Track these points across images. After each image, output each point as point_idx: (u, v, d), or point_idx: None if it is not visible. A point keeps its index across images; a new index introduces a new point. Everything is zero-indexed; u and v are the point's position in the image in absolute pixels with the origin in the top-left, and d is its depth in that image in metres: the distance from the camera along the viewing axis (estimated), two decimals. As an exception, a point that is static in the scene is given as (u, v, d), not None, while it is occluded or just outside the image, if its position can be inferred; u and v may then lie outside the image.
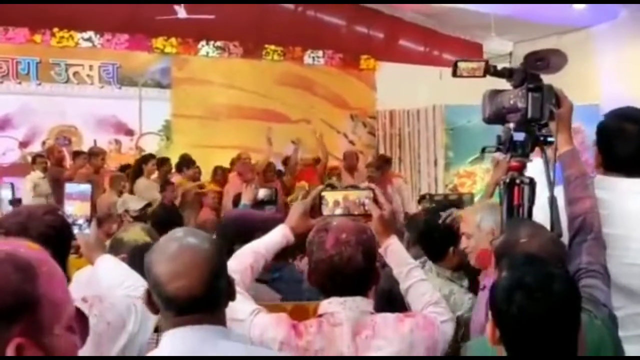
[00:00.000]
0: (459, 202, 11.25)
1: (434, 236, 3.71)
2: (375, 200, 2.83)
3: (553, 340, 1.91)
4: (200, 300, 1.93)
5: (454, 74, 3.02)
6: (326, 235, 2.55)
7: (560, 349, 1.93)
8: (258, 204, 5.27)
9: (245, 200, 5.21)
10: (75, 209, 2.95)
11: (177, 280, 1.92)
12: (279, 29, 14.09)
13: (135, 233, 3.83)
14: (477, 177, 13.70)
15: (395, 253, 2.80)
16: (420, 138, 14.44)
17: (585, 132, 13.28)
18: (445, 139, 14.13)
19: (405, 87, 14.21)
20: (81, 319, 1.34)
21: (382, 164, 11.68)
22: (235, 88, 13.90)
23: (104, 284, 2.68)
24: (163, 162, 11.02)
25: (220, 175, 11.44)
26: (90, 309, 2.40)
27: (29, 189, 9.93)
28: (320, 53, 14.80)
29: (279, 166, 12.07)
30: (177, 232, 2.08)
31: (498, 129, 3.05)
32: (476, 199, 10.92)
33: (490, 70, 3.00)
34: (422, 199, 11.36)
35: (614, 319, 2.56)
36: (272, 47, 14.36)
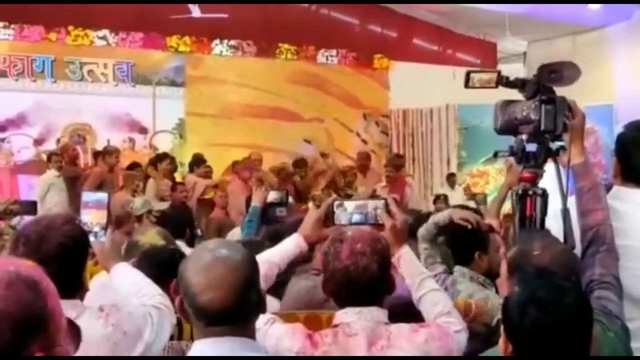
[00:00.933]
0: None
1: (463, 240, 3.67)
2: (387, 210, 2.84)
3: (565, 353, 1.92)
4: (231, 312, 1.95)
5: (467, 85, 3.02)
6: (341, 246, 2.57)
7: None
8: (268, 206, 5.28)
9: (256, 202, 5.22)
10: (91, 217, 2.97)
11: (210, 291, 1.93)
12: (293, 28, 14.10)
13: (151, 237, 3.86)
14: (490, 176, 13.71)
15: (408, 263, 2.81)
16: (433, 137, 14.46)
17: (599, 132, 13.34)
18: (458, 138, 14.15)
19: (418, 87, 14.21)
20: (72, 327, 1.40)
21: (399, 163, 11.72)
22: (249, 87, 13.92)
23: (120, 293, 2.70)
24: (167, 160, 11.04)
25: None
26: (107, 318, 2.42)
27: (44, 189, 9.95)
28: (333, 52, 14.81)
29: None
30: (211, 243, 2.10)
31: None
32: (489, 199, 10.96)
33: (502, 81, 3.00)
34: (437, 199, 11.38)
35: (626, 330, 2.56)
36: (286, 45, 14.38)
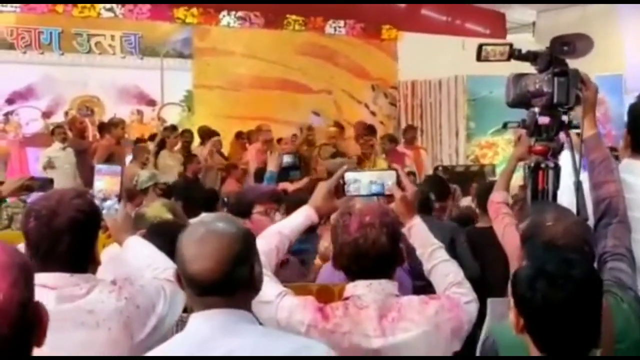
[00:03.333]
0: (481, 173, 11.33)
1: None
2: (398, 181, 2.84)
3: (577, 325, 1.93)
4: (219, 283, 1.97)
5: (478, 59, 3.01)
6: (350, 219, 2.57)
7: (585, 333, 1.95)
8: (283, 170, 5.34)
9: (271, 167, 5.27)
10: (105, 184, 2.99)
11: (199, 261, 1.97)
12: (300, -1, 14.03)
13: (157, 209, 3.86)
14: (499, 148, 13.66)
15: (419, 234, 2.81)
16: (442, 109, 14.40)
17: (609, 103, 13.28)
18: (467, 109, 14.09)
19: (427, 58, 14.12)
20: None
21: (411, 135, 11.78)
22: (257, 58, 13.86)
23: (133, 266, 2.71)
24: (184, 133, 11.07)
25: (242, 141, 11.51)
26: (120, 291, 2.43)
27: (45, 162, 9.98)
28: (341, 23, 14.71)
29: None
30: (208, 216, 2.12)
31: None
32: (498, 170, 10.93)
33: (514, 54, 2.99)
34: (435, 170, 11.35)
35: (639, 301, 2.56)
36: (294, 17, 14.29)
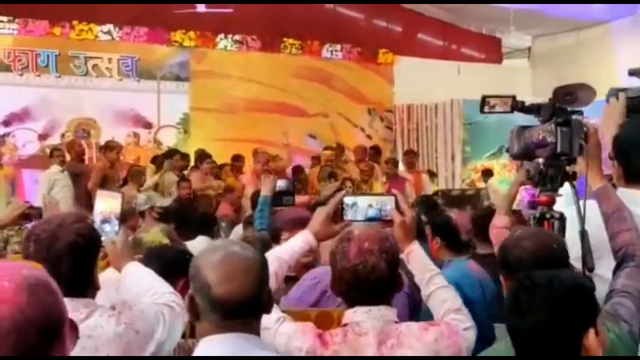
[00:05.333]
0: (477, 196, 11.33)
1: None
2: (397, 207, 2.85)
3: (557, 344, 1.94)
4: (246, 305, 1.99)
5: (482, 110, 3.06)
6: (349, 245, 2.57)
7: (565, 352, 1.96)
8: (277, 194, 5.34)
9: (265, 191, 5.25)
10: (105, 207, 2.99)
11: (226, 283, 1.97)
12: (297, 23, 14.13)
13: (155, 234, 3.86)
14: (495, 172, 13.67)
15: (417, 259, 2.81)
16: (437, 132, 14.46)
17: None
18: (462, 133, 14.14)
19: (423, 82, 14.22)
20: (72, 325, 1.43)
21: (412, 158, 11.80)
22: (253, 81, 13.93)
23: (132, 291, 2.71)
24: (182, 157, 11.06)
25: (239, 164, 11.50)
26: (119, 316, 2.43)
27: (49, 185, 9.96)
28: (338, 47, 14.80)
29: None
30: (220, 241, 2.14)
31: (515, 125, 3.10)
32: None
33: (518, 106, 3.03)
34: (434, 195, 11.34)
35: (633, 335, 2.56)
36: (290, 40, 14.38)
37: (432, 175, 12.82)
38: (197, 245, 4.71)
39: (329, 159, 11.28)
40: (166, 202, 8.57)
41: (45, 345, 1.38)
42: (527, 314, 1.95)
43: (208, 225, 6.36)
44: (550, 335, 1.93)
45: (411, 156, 12.14)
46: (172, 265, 3.02)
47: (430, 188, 11.43)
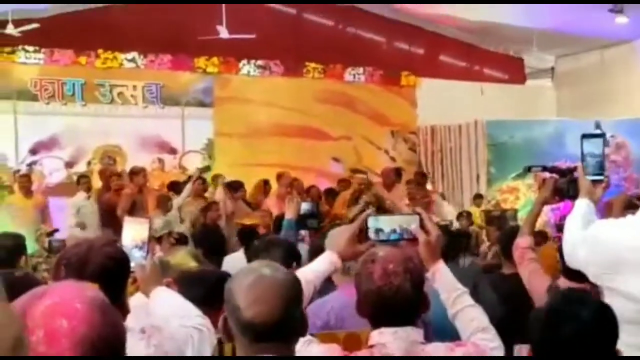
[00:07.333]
0: (502, 218, 11.28)
1: None
2: (421, 225, 2.85)
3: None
4: (276, 327, 1.99)
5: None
6: (373, 267, 2.57)
7: None
8: (301, 218, 5.32)
9: (289, 214, 5.24)
10: (133, 233, 3.04)
11: (256, 305, 1.99)
12: (320, 47, 14.23)
13: (182, 257, 3.89)
14: (520, 192, 13.63)
15: (443, 278, 2.79)
16: (462, 154, 14.42)
17: (630, 146, 13.25)
18: (487, 154, 14.09)
19: (446, 103, 14.23)
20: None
21: (421, 180, 11.64)
22: (277, 106, 14.00)
23: (160, 315, 2.75)
24: (203, 181, 11.06)
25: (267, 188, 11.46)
26: (149, 339, 2.46)
27: (75, 212, 10.08)
28: (360, 70, 14.88)
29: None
30: (255, 263, 2.17)
31: (539, 145, 3.16)
32: (520, 214, 10.90)
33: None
34: (460, 216, 11.32)
35: None
36: (313, 64, 14.48)
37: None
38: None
39: (362, 183, 11.20)
40: (182, 227, 8.56)
41: None
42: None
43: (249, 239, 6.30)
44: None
45: (419, 178, 11.97)
46: (214, 290, 3.03)
47: (444, 210, 11.37)
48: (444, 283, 2.78)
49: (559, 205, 8.06)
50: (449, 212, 11.59)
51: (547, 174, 3.27)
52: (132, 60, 13.22)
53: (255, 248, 4.29)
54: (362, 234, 2.85)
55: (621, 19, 12.59)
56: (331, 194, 11.46)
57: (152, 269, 2.89)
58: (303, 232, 6.44)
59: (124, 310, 2.55)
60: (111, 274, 2.45)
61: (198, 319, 2.65)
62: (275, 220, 8.49)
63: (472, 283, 4.81)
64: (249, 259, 4.41)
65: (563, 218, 3.20)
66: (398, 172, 12.21)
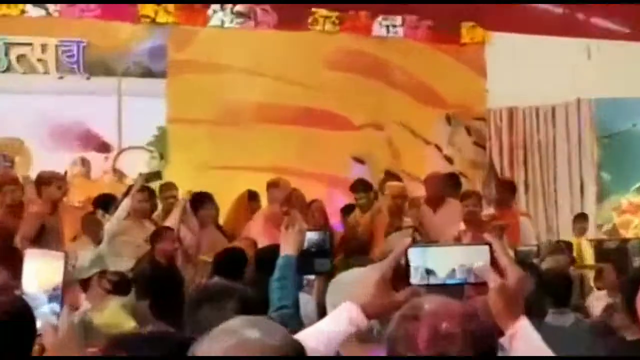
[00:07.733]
0: (622, 251, 11.30)
1: None
2: (492, 262, 2.84)
3: None
4: None
5: None
6: (417, 326, 2.57)
7: None
8: (305, 255, 5.24)
9: (288, 250, 5.16)
10: (39, 275, 3.03)
11: None
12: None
13: (113, 314, 3.90)
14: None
15: (527, 345, 2.80)
16: (557, 152, 14.42)
17: None
18: (597, 151, 14.09)
19: (531, 72, 14.21)
20: None
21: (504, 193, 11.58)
22: (266, 76, 14.00)
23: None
24: (163, 189, 11.06)
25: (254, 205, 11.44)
26: None
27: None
28: (397, 20, 14.86)
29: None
30: (233, 323, 2.17)
31: None
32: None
33: None
34: (554, 249, 11.32)
35: None
36: (323, 11, 14.46)
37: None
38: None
39: (399, 195, 10.97)
40: (123, 264, 8.57)
41: None
42: None
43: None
44: None
45: (507, 189, 11.84)
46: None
47: (532, 237, 11.35)
48: (528, 351, 2.78)
49: None
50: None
51: None
52: (40, 5, 13.18)
53: (195, 297, 4.17)
54: (399, 277, 2.85)
55: None
56: (352, 212, 11.37)
57: (69, 331, 2.90)
58: (308, 278, 6.42)
59: None
60: (4, 340, 2.45)
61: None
62: (262, 254, 8.46)
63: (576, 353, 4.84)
64: (187, 313, 4.32)
65: None
66: (454, 179, 12.17)
